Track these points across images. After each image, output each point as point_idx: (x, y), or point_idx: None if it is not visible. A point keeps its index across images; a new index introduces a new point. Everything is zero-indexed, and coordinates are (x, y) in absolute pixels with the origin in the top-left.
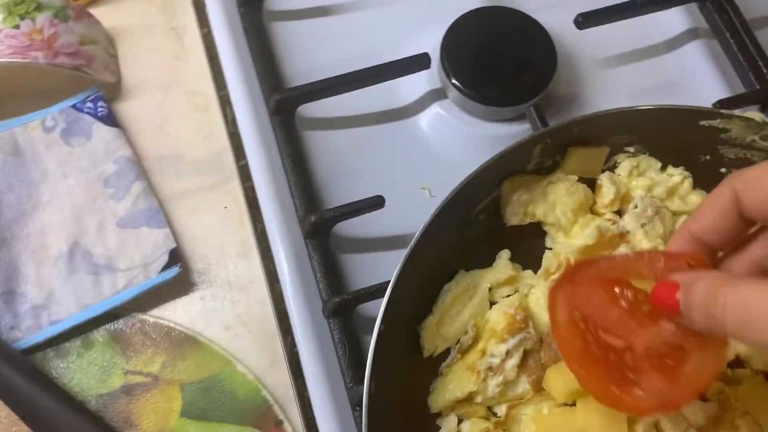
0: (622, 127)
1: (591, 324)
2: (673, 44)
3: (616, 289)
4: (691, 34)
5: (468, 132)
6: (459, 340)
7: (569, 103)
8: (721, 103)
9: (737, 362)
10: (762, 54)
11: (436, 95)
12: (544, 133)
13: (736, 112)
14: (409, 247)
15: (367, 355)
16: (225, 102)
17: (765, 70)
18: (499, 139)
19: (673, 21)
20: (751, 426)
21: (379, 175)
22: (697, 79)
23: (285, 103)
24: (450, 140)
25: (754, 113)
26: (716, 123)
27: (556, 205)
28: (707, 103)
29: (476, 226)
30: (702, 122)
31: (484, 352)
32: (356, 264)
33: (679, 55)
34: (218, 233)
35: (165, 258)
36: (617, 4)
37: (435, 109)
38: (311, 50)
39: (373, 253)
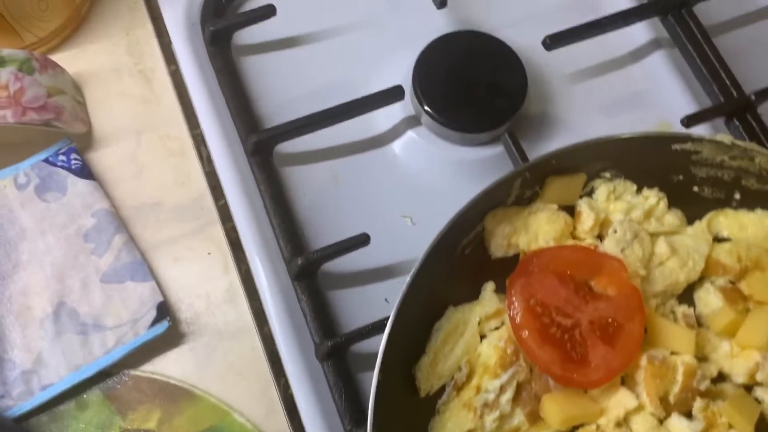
0: (598, 156)
1: (546, 307)
2: (638, 55)
3: (565, 274)
4: (656, 45)
5: (444, 157)
6: (453, 377)
7: (541, 122)
8: (689, 118)
9: (720, 377)
10: (724, 66)
11: (411, 122)
12: (523, 168)
13: (707, 135)
14: (402, 292)
15: (364, 394)
16: (199, 141)
17: (728, 83)
18: (475, 163)
19: (638, 32)
20: None
21: (360, 206)
22: (665, 88)
23: (262, 144)
24: (427, 166)
25: (723, 136)
26: (688, 146)
27: (539, 235)
28: (675, 113)
29: (463, 261)
30: (674, 146)
31: (478, 389)
32: (346, 300)
33: (645, 66)
34: (203, 281)
35: (153, 313)
36: (583, 25)
37: (410, 136)
38: (284, 83)
39: (362, 287)
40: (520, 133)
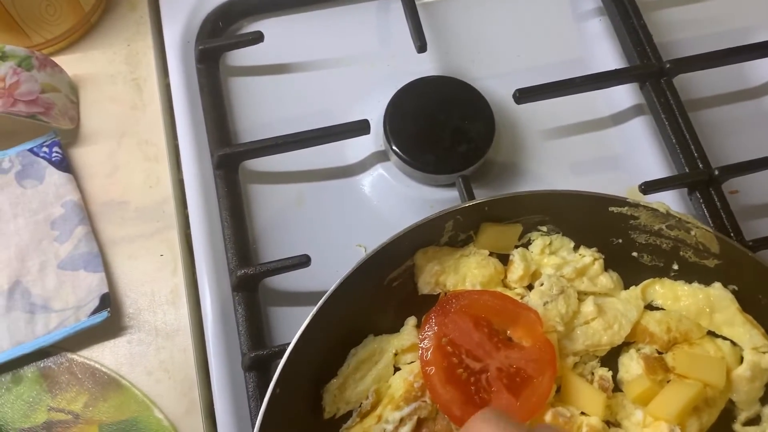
0: (534, 208)
1: (457, 348)
2: (618, 119)
3: (481, 318)
4: (637, 110)
5: (407, 194)
6: (360, 404)
7: (508, 172)
8: (647, 184)
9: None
10: (695, 138)
11: (380, 157)
12: (454, 210)
13: (643, 202)
14: (312, 312)
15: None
16: (178, 152)
17: (696, 155)
18: (436, 203)
19: (619, 96)
20: None
21: (318, 230)
22: (640, 154)
23: (228, 159)
24: (389, 200)
25: (660, 204)
26: (625, 210)
27: (467, 278)
28: (646, 179)
29: (389, 293)
30: (611, 209)
31: (380, 418)
32: (284, 317)
33: (623, 130)
34: (151, 280)
35: (96, 302)
36: (555, 82)
37: (378, 170)
38: (264, 106)
39: (302, 307)
40: (484, 180)
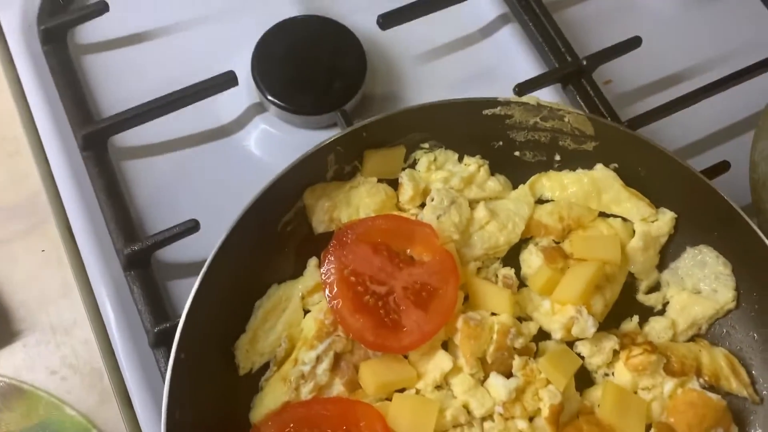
0: (411, 126)
1: (360, 276)
2: (486, 32)
3: (379, 243)
4: (503, 20)
5: (292, 143)
6: (275, 353)
7: (388, 102)
8: (520, 86)
9: (544, 336)
10: (559, 33)
11: (257, 110)
12: (333, 141)
13: (512, 98)
14: (202, 270)
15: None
16: (38, 142)
17: (563, 49)
18: None
19: (484, 9)
20: (552, 394)
21: (207, 197)
22: (513, 62)
23: (93, 137)
24: (276, 153)
25: (529, 97)
26: (498, 111)
27: (360, 208)
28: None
29: (285, 239)
30: (485, 111)
31: (296, 361)
32: (184, 288)
33: (493, 42)
34: (37, 278)
35: None
36: (416, 2)
37: (259, 125)
38: (125, 80)
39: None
40: (367, 114)
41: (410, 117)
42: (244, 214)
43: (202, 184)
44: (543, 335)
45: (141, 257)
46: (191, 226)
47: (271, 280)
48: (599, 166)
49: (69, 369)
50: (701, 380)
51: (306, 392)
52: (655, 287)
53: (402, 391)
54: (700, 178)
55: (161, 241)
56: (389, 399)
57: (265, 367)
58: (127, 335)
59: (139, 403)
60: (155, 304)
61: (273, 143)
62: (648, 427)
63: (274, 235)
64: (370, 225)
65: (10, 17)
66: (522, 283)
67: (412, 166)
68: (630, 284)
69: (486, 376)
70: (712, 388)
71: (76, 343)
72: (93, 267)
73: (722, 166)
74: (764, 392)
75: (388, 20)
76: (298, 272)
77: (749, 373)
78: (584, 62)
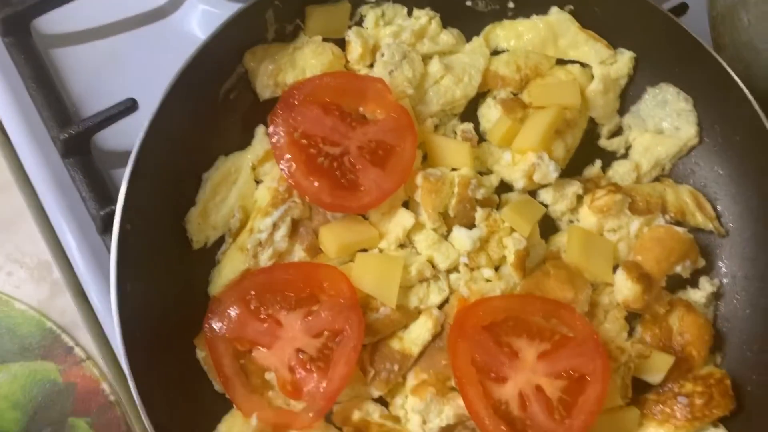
0: None
1: (311, 138)
2: None
3: (329, 103)
4: None
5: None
6: (230, 226)
7: None
8: None
9: (506, 188)
10: None
11: None
12: None
13: None
14: (138, 138)
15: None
16: None
17: None
18: None
19: None
20: (517, 240)
21: (148, 82)
22: None
23: (13, 20)
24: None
25: None
26: None
27: (306, 70)
28: None
29: (229, 108)
30: None
31: (252, 230)
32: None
33: None
34: None
35: None
36: None
37: (195, 3)
38: None
39: None
40: None
41: None
42: (177, 81)
43: (140, 69)
44: (505, 188)
45: (79, 142)
46: (129, 106)
47: (219, 151)
48: (554, 10)
49: (14, 264)
50: (667, 217)
51: (265, 259)
52: (617, 132)
53: (365, 251)
54: (660, 12)
55: (98, 123)
56: (353, 261)
57: (221, 241)
58: (73, 225)
59: (94, 291)
60: (99, 189)
61: (208, 19)
62: (615, 267)
63: (216, 104)
64: (318, 84)
65: None
66: (482, 138)
67: (359, 23)
68: (591, 131)
69: (449, 231)
70: (678, 224)
71: (20, 239)
72: (29, 158)
73: (681, 8)
74: (729, 225)
75: None
76: (246, 142)
77: (714, 207)
78: None
